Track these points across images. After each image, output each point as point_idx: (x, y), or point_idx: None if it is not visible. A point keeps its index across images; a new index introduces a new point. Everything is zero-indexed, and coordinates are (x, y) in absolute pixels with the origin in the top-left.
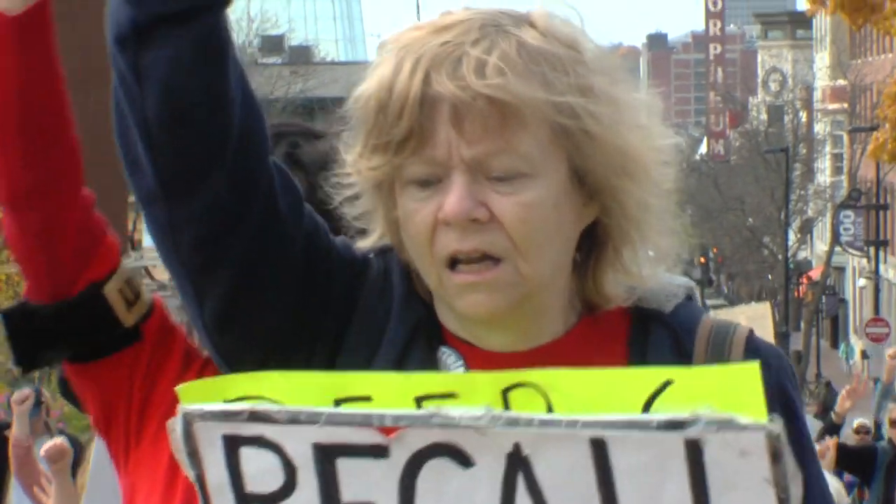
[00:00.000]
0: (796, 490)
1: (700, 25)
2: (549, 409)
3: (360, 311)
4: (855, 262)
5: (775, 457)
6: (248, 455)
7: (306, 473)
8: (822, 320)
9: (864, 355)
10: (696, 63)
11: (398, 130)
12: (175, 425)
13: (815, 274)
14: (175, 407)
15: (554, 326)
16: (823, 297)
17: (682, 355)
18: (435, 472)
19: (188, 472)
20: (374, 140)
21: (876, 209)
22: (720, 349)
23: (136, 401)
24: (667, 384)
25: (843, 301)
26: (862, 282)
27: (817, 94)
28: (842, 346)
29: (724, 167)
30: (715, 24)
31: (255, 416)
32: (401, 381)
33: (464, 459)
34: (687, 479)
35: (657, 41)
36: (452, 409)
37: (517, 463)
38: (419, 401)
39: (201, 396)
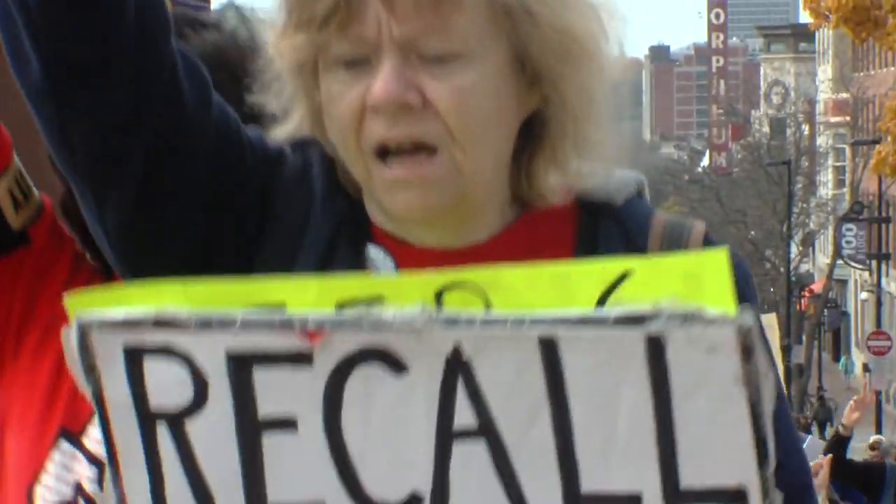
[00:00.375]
0: (769, 390)
1: (702, 38)
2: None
3: (278, 211)
4: (857, 275)
5: (747, 353)
6: (152, 367)
7: (219, 386)
8: (824, 333)
9: (866, 368)
10: (699, 75)
11: (322, 4)
12: (69, 336)
13: (817, 287)
14: (60, 318)
15: (492, 224)
16: (825, 311)
17: (635, 253)
18: (364, 381)
19: (84, 389)
20: (296, 15)
21: (878, 222)
22: (676, 247)
23: (17, 309)
24: (624, 276)
25: (845, 314)
26: (864, 295)
27: (820, 107)
28: (842, 360)
29: (726, 180)
30: (717, 37)
31: (160, 323)
32: (320, 285)
33: (397, 365)
34: (647, 381)
35: (659, 53)
36: (384, 311)
37: (457, 367)
38: (341, 307)
39: (93, 308)
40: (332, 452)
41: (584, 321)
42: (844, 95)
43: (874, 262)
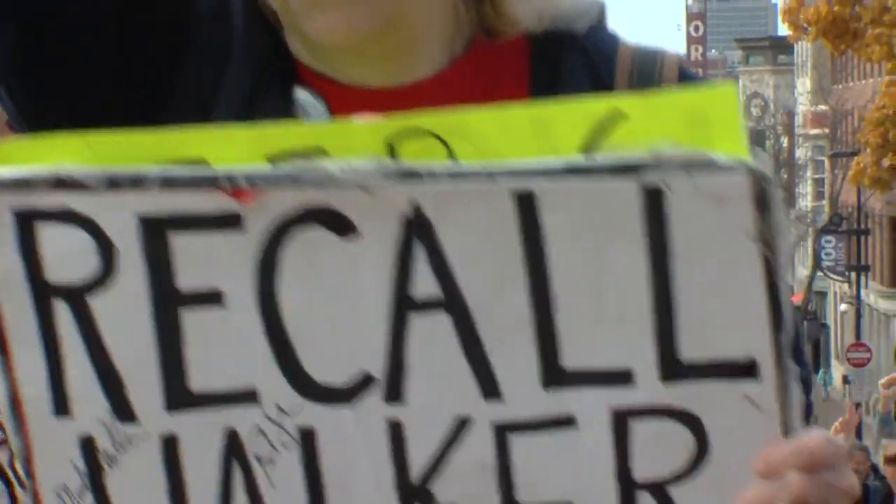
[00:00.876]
0: (785, 245)
1: (682, 50)
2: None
3: (191, 50)
4: (836, 286)
5: (761, 204)
6: (48, 234)
7: (129, 255)
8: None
9: (846, 380)
10: None
11: None
12: None
13: (797, 299)
14: None
15: (436, 58)
16: (805, 322)
17: (601, 88)
18: (304, 245)
19: None
20: None
21: (857, 234)
22: (648, 80)
23: None
24: (614, 118)
25: (825, 326)
26: (843, 307)
27: (798, 119)
28: (820, 373)
29: None
30: (696, 49)
31: (59, 183)
32: (248, 136)
33: (344, 227)
34: (642, 240)
35: None
36: (329, 163)
37: (416, 228)
38: (273, 161)
39: None
40: (266, 330)
41: (568, 171)
42: (823, 107)
43: (853, 274)
